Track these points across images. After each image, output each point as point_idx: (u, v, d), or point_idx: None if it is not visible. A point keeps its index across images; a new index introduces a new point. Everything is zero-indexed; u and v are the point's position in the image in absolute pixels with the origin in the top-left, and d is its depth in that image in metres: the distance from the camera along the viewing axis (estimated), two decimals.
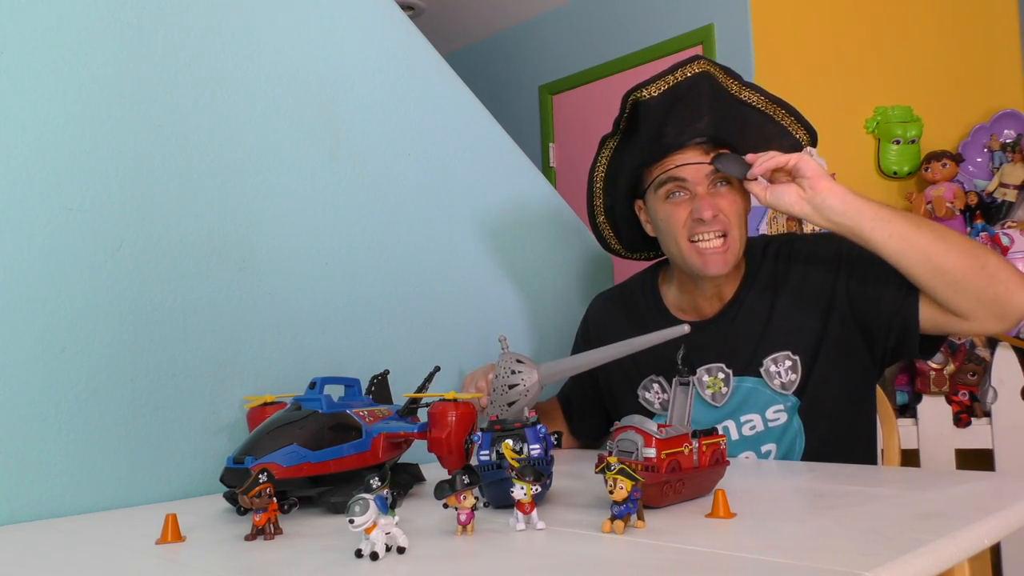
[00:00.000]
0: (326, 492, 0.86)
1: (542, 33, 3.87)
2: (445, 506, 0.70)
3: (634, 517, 0.70)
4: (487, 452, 0.81)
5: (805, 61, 2.82)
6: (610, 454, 0.76)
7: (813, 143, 1.27)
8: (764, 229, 2.29)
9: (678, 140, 1.20)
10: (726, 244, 1.20)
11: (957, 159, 2.56)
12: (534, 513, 0.71)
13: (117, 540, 0.79)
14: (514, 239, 1.59)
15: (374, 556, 0.62)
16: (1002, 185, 2.42)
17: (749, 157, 1.14)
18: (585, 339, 1.44)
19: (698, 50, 3.13)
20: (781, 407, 1.22)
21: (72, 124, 0.97)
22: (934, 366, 2.08)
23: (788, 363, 1.22)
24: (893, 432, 1.44)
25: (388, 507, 0.63)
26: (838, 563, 0.55)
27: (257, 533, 0.73)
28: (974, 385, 2.10)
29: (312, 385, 0.93)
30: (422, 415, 1.01)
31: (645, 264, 1.45)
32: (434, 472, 0.99)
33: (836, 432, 1.23)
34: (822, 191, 1.09)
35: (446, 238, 1.46)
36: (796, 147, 1.24)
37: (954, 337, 2.10)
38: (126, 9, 1.03)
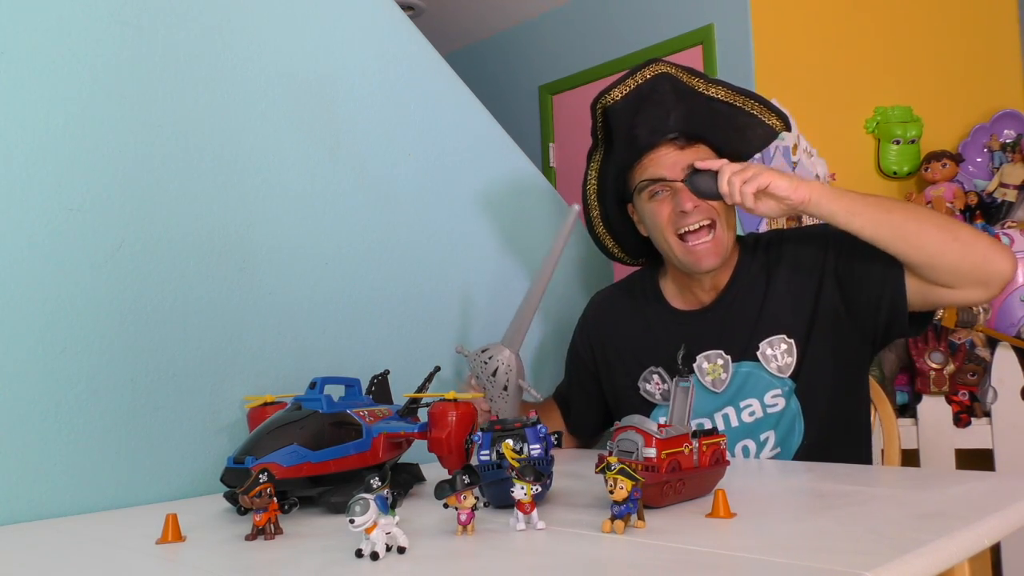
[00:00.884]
0: (326, 492, 0.86)
1: (542, 33, 3.87)
2: (445, 506, 0.70)
3: (634, 517, 0.70)
4: (487, 452, 0.81)
5: (805, 61, 2.82)
6: (610, 454, 0.76)
7: (787, 127, 1.29)
8: (764, 227, 2.30)
9: (650, 140, 1.24)
10: (715, 236, 1.23)
11: (957, 159, 2.56)
12: (534, 513, 0.71)
13: (117, 540, 0.79)
14: (514, 239, 1.59)
15: (374, 556, 0.62)
16: (1002, 185, 2.42)
17: (721, 173, 1.14)
18: (584, 335, 1.45)
19: (697, 51, 3.13)
20: (779, 391, 1.24)
21: (72, 124, 0.97)
22: (934, 366, 2.08)
23: (784, 346, 1.24)
24: (893, 432, 1.44)
25: (388, 507, 0.63)
26: (838, 563, 0.55)
27: (257, 533, 0.73)
28: (974, 385, 2.10)
29: (312, 385, 0.93)
30: (422, 415, 1.01)
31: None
32: (434, 472, 0.99)
33: (833, 416, 1.25)
34: (798, 204, 1.12)
35: (446, 238, 1.46)
36: (770, 134, 1.29)
37: (955, 338, 2.11)
38: (126, 9, 1.03)
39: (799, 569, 0.56)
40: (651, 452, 0.77)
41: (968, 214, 2.42)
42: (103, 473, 0.97)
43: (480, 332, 1.49)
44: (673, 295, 1.36)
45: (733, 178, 1.12)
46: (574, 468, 1.09)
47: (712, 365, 1.26)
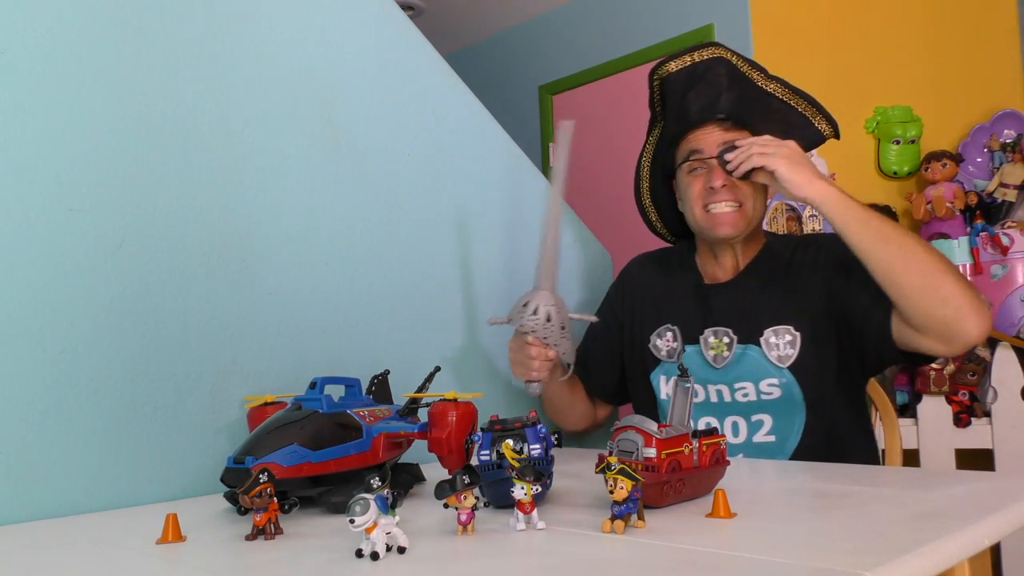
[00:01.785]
0: (326, 492, 0.86)
1: (542, 33, 3.87)
2: (445, 506, 0.70)
3: (634, 517, 0.70)
4: (487, 452, 0.81)
5: (805, 61, 2.82)
6: (610, 454, 0.76)
7: (835, 135, 1.36)
8: (764, 227, 2.29)
9: (700, 117, 1.31)
10: (739, 210, 1.29)
11: (957, 159, 2.56)
12: (534, 513, 0.71)
13: (117, 540, 0.79)
14: (514, 239, 1.59)
15: (374, 556, 0.62)
16: (1002, 185, 2.42)
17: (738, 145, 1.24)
18: (620, 292, 1.50)
19: None
20: (775, 381, 1.26)
21: (72, 124, 0.97)
22: (934, 366, 2.08)
23: (788, 337, 1.28)
24: (893, 432, 1.44)
25: (388, 507, 0.63)
26: (838, 563, 0.55)
27: (257, 533, 0.73)
28: (974, 385, 2.10)
29: (312, 385, 0.93)
30: (422, 415, 1.01)
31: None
32: (434, 472, 0.99)
33: (836, 416, 1.28)
34: (798, 198, 1.18)
35: (446, 238, 1.46)
36: (818, 138, 1.35)
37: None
38: (126, 9, 1.03)
39: (799, 569, 0.56)
40: (651, 452, 0.77)
41: (968, 214, 2.42)
42: (103, 473, 0.97)
43: (481, 331, 1.49)
44: (702, 269, 1.42)
45: (752, 146, 1.20)
46: (574, 468, 1.09)
47: (717, 340, 1.31)
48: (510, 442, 0.79)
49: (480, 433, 0.82)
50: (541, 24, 3.87)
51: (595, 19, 3.63)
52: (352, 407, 0.93)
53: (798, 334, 1.27)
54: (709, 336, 1.32)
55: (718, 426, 1.25)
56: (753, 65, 1.33)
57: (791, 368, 1.26)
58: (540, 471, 0.71)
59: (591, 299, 1.62)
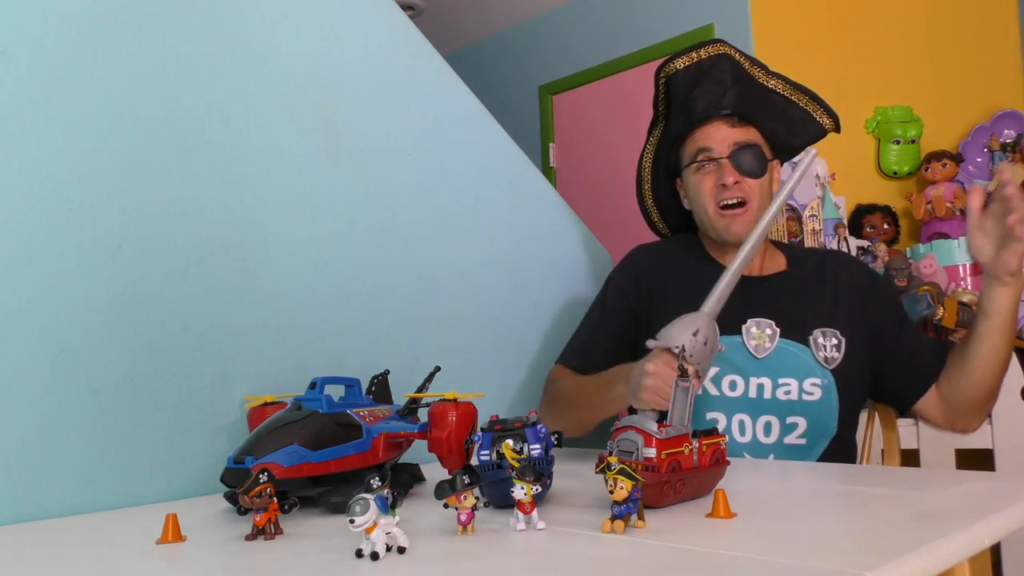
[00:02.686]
0: (326, 492, 0.86)
1: (542, 33, 3.87)
2: (445, 506, 0.70)
3: (634, 517, 0.70)
4: (487, 452, 0.81)
5: (805, 61, 2.82)
6: (610, 454, 0.76)
7: (836, 128, 1.39)
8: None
9: (706, 112, 1.33)
10: (746, 209, 1.31)
11: (957, 159, 2.56)
12: (534, 513, 0.71)
13: (117, 540, 0.79)
14: (514, 239, 1.59)
15: (374, 556, 0.62)
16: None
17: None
18: (634, 282, 1.43)
19: None
20: (818, 381, 1.27)
21: (72, 124, 0.97)
22: None
23: (834, 340, 1.30)
24: (893, 432, 1.44)
25: (388, 507, 0.63)
26: (838, 563, 0.55)
27: (257, 533, 0.73)
28: None
29: (312, 385, 0.93)
30: (422, 415, 1.01)
31: None
32: (434, 472, 0.99)
33: (851, 431, 1.33)
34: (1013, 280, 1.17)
35: (446, 238, 1.46)
36: (820, 131, 1.39)
37: (955, 338, 2.10)
38: (126, 9, 1.03)
39: (799, 569, 0.56)
40: (651, 452, 0.77)
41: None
42: (103, 473, 0.97)
43: (481, 330, 1.49)
44: (722, 262, 1.40)
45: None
46: (574, 468, 1.09)
47: (760, 331, 1.31)
48: (510, 442, 0.79)
49: (480, 433, 0.82)
50: (541, 24, 3.87)
51: (595, 19, 3.63)
52: (352, 407, 0.93)
53: (843, 339, 1.29)
54: (751, 327, 1.31)
55: (750, 422, 1.27)
56: (754, 62, 1.35)
57: (834, 371, 1.28)
58: (540, 471, 0.71)
59: (591, 299, 1.62)
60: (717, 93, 1.32)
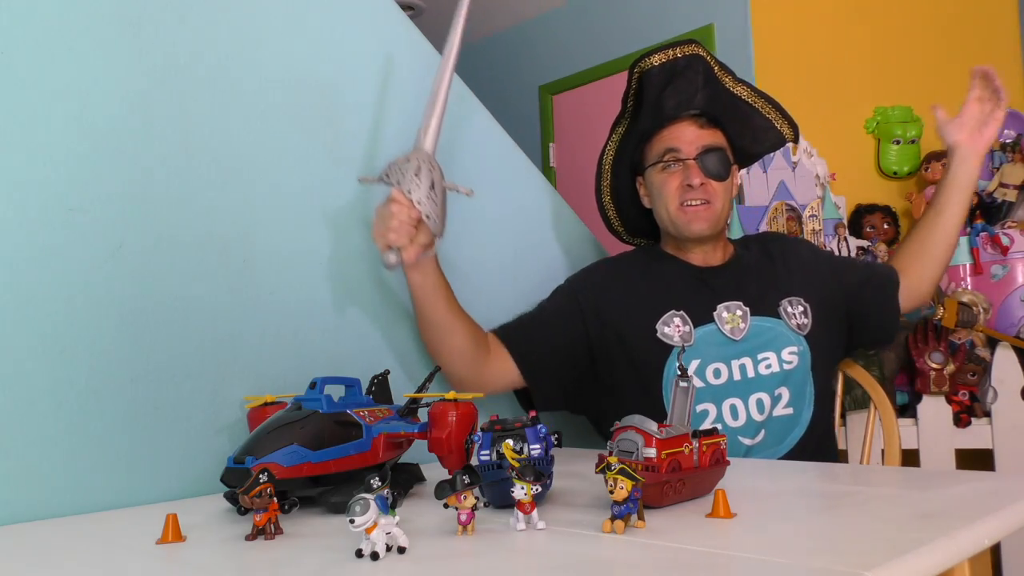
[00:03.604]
0: (326, 492, 0.86)
1: (542, 33, 3.87)
2: (445, 506, 0.70)
3: (634, 517, 0.70)
4: (487, 452, 0.81)
5: (805, 61, 2.82)
6: (610, 454, 0.76)
7: (795, 139, 1.44)
8: (764, 227, 2.29)
9: (676, 112, 1.35)
10: (708, 207, 1.35)
11: None
12: (534, 513, 0.71)
13: (117, 540, 0.79)
14: (514, 239, 1.59)
15: (374, 556, 0.62)
16: (1002, 185, 2.42)
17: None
18: (588, 285, 1.43)
19: None
20: (795, 348, 1.33)
21: (72, 124, 0.97)
22: (934, 366, 2.08)
23: (801, 307, 1.37)
24: (893, 432, 1.44)
25: (388, 507, 0.63)
26: (838, 563, 0.55)
27: (258, 533, 0.73)
28: (974, 385, 2.10)
29: (312, 385, 0.93)
30: (422, 415, 1.01)
31: None
32: (434, 472, 0.99)
33: (828, 387, 1.41)
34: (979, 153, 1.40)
35: (445, 238, 1.45)
36: (781, 140, 1.44)
37: (955, 338, 2.11)
38: (126, 9, 1.03)
39: (799, 569, 0.56)
40: (651, 452, 0.77)
41: (968, 214, 2.42)
42: (103, 473, 0.97)
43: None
44: (684, 260, 1.44)
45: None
46: (574, 468, 1.09)
47: (731, 315, 1.34)
48: (510, 442, 0.79)
49: (480, 433, 0.82)
50: (541, 24, 3.87)
51: (595, 19, 3.63)
52: (352, 407, 0.93)
53: (807, 304, 1.36)
54: (722, 312, 1.34)
55: (742, 404, 1.31)
56: (723, 67, 1.38)
57: (807, 337, 1.34)
58: (540, 471, 0.71)
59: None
60: (689, 93, 1.34)
